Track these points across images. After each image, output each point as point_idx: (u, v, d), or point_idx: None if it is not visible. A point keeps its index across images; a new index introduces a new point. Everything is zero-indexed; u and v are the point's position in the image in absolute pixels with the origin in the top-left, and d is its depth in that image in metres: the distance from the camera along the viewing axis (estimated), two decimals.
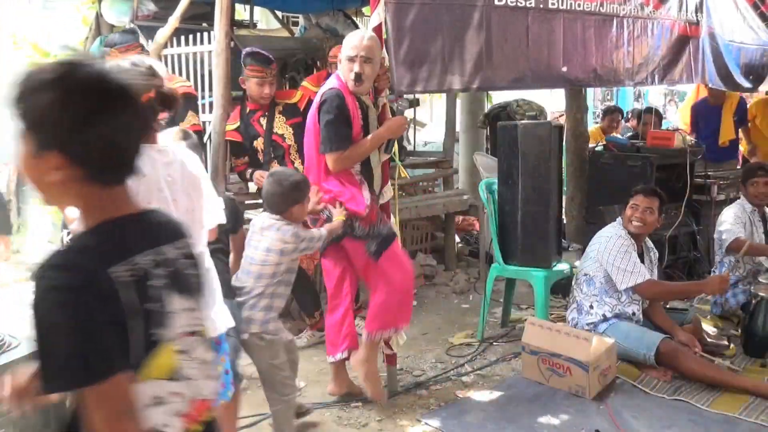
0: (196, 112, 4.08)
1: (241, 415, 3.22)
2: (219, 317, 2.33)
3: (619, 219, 3.84)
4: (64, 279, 1.08)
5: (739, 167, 6.22)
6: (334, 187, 3.18)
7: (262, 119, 4.14)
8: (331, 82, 3.20)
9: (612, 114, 7.21)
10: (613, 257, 3.65)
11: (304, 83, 4.50)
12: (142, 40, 4.26)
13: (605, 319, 3.69)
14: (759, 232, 4.46)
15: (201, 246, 2.18)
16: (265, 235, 2.82)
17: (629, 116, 8.59)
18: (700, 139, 6.25)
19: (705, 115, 6.38)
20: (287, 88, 5.50)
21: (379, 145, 3.25)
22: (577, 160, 6.30)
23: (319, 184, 3.22)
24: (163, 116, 2.16)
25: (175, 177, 2.04)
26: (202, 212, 2.19)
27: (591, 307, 3.74)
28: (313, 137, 3.21)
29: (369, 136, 3.19)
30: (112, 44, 3.81)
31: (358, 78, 3.11)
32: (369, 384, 3.30)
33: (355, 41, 3.12)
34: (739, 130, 6.39)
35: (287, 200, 2.84)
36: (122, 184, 1.23)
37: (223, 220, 2.47)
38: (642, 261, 3.77)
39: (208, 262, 2.24)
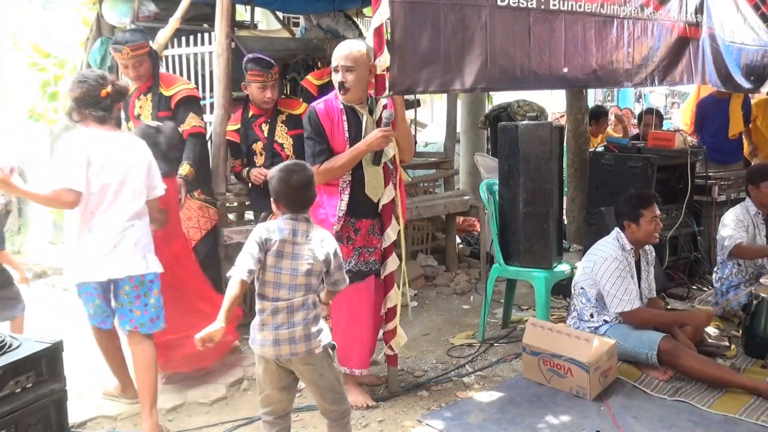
0: (199, 114, 4.03)
1: (242, 417, 3.24)
2: (150, 261, 3.02)
3: (615, 232, 3.74)
4: None
5: (743, 169, 6.17)
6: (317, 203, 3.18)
7: (264, 125, 4.13)
8: (327, 96, 3.36)
9: (597, 117, 7.12)
10: (605, 280, 3.60)
11: (308, 77, 4.49)
12: None
13: (606, 323, 3.70)
14: (761, 235, 4.42)
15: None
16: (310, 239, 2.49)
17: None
18: (706, 137, 6.19)
19: (712, 110, 6.27)
20: (288, 89, 5.50)
21: (359, 159, 3.23)
22: (578, 161, 6.31)
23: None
24: (119, 106, 2.98)
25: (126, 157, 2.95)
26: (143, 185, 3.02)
27: (591, 315, 3.74)
28: None
29: (347, 151, 3.23)
30: (123, 42, 3.75)
31: (341, 87, 3.22)
32: (355, 398, 3.31)
33: (337, 51, 3.24)
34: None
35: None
36: None
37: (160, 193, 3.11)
38: (639, 268, 3.77)
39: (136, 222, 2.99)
